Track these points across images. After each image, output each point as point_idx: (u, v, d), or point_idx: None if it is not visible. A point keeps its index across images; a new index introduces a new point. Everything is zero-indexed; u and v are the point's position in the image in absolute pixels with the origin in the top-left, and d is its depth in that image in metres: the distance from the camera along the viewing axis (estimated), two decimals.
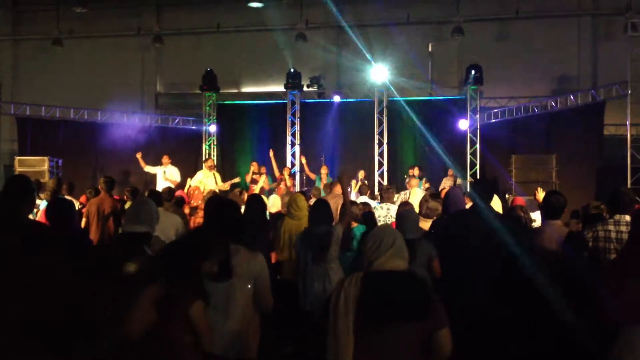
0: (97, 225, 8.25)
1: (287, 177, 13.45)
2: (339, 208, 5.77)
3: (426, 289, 2.90)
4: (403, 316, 2.76)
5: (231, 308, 3.55)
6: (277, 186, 13.10)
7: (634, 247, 3.42)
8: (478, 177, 14.79)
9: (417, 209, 6.84)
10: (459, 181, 13.96)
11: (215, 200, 4.20)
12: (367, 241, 2.97)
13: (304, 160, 14.71)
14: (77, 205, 9.41)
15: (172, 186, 11.28)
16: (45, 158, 13.75)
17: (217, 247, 3.49)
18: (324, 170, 13.58)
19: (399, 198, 9.00)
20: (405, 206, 7.01)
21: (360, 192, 10.33)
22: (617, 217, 4.81)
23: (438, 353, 2.82)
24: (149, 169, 13.53)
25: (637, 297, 3.16)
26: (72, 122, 15.90)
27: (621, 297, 3.20)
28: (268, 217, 7.80)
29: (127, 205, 8.82)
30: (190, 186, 11.92)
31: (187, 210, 9.01)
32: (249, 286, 3.61)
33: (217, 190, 12.09)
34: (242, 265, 3.58)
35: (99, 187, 8.91)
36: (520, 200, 7.66)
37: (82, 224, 8.12)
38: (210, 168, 13.07)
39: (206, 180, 12.83)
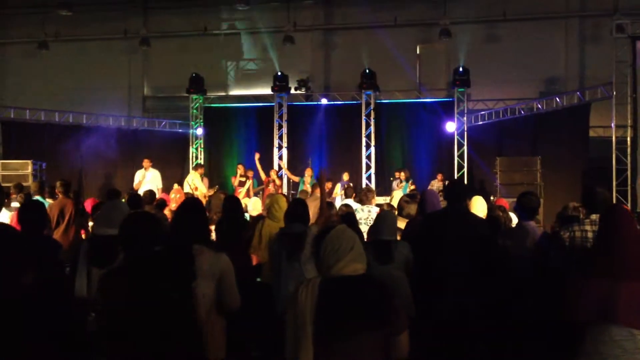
0: (59, 229, 8.11)
1: (275, 178, 13.42)
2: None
3: (386, 293, 2.80)
4: (364, 322, 2.67)
5: (195, 309, 3.49)
6: (266, 187, 13.08)
7: (600, 247, 3.38)
8: (465, 179, 14.78)
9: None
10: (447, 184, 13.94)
11: (182, 202, 4.14)
12: (325, 245, 2.84)
13: (283, 165, 14.70)
14: None
15: (154, 189, 11.19)
16: (29, 161, 13.63)
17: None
18: (307, 173, 13.54)
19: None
20: (387, 208, 6.98)
21: (346, 195, 10.25)
22: (593, 217, 4.76)
23: (395, 356, 2.75)
24: (137, 181, 13.27)
25: (602, 296, 3.12)
26: (57, 126, 15.82)
27: (587, 297, 3.16)
28: (248, 220, 7.72)
29: None
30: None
31: (168, 214, 8.95)
32: (213, 287, 3.55)
33: (200, 194, 12.07)
34: (205, 266, 3.52)
35: (56, 190, 8.73)
36: (503, 202, 7.63)
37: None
38: (200, 173, 13.12)
39: (193, 183, 12.80)
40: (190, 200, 4.38)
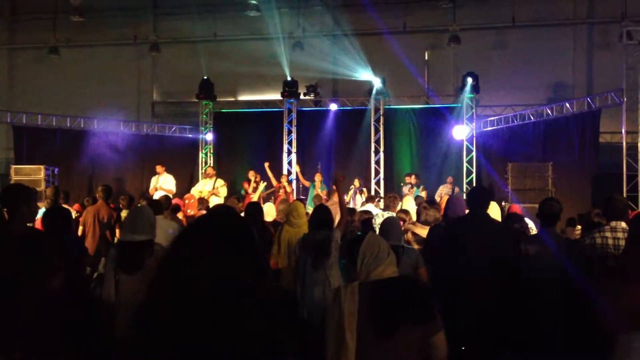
0: (93, 234, 8.24)
1: (286, 184, 13.45)
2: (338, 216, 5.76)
3: (425, 292, 2.91)
4: (407, 322, 2.75)
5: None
6: (277, 193, 13.10)
7: (631, 253, 3.40)
8: (474, 184, 14.80)
9: (413, 217, 6.86)
10: (456, 189, 13.98)
11: (215, 208, 4.18)
12: (363, 252, 2.95)
13: (298, 169, 14.73)
14: (73, 213, 9.39)
15: (170, 195, 11.25)
16: (42, 166, 13.69)
17: None
18: (317, 178, 13.58)
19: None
20: (402, 214, 7.03)
21: (367, 200, 10.32)
22: (613, 223, 4.79)
23: (435, 356, 2.82)
24: (152, 187, 13.36)
25: (635, 303, 3.14)
26: (69, 131, 15.88)
27: (620, 304, 3.19)
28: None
29: (124, 213, 8.84)
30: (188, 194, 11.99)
31: (182, 218, 9.02)
32: None
33: (206, 195, 12.12)
34: None
35: (97, 195, 8.90)
36: (517, 208, 7.66)
37: (79, 232, 8.11)
38: (209, 176, 13.11)
39: (204, 188, 12.86)
40: (222, 207, 4.43)
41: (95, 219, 8.25)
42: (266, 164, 14.05)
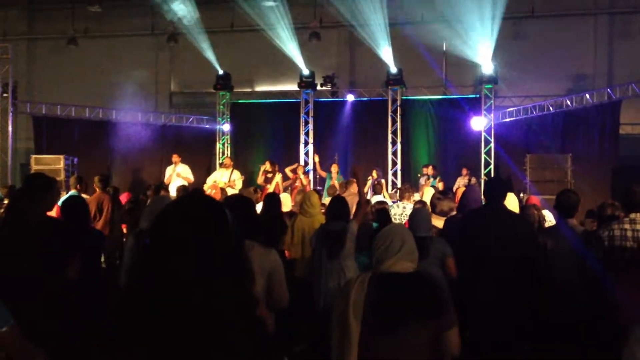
0: (98, 223, 8.31)
1: (301, 175, 13.45)
2: (355, 206, 5.76)
3: (436, 289, 2.85)
4: (411, 317, 2.72)
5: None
6: (293, 184, 13.10)
7: None
8: (492, 175, 14.69)
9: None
10: (473, 180, 13.88)
11: (231, 198, 4.20)
12: (376, 241, 2.93)
13: (317, 159, 14.69)
14: None
15: (186, 184, 11.32)
16: (61, 156, 13.85)
17: None
18: (334, 169, 13.56)
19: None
20: (419, 204, 7.01)
21: (375, 191, 10.28)
22: (632, 215, 4.76)
23: (446, 353, 2.78)
24: (168, 176, 13.45)
25: None
26: (87, 121, 16.01)
27: (637, 296, 3.17)
28: None
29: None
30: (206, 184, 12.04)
31: None
32: (262, 283, 3.60)
33: (224, 187, 12.15)
34: (256, 262, 3.57)
35: (94, 185, 8.94)
36: (535, 200, 7.61)
37: None
38: (226, 167, 13.14)
39: (220, 179, 12.90)
40: (238, 196, 4.45)
41: (99, 208, 8.30)
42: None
